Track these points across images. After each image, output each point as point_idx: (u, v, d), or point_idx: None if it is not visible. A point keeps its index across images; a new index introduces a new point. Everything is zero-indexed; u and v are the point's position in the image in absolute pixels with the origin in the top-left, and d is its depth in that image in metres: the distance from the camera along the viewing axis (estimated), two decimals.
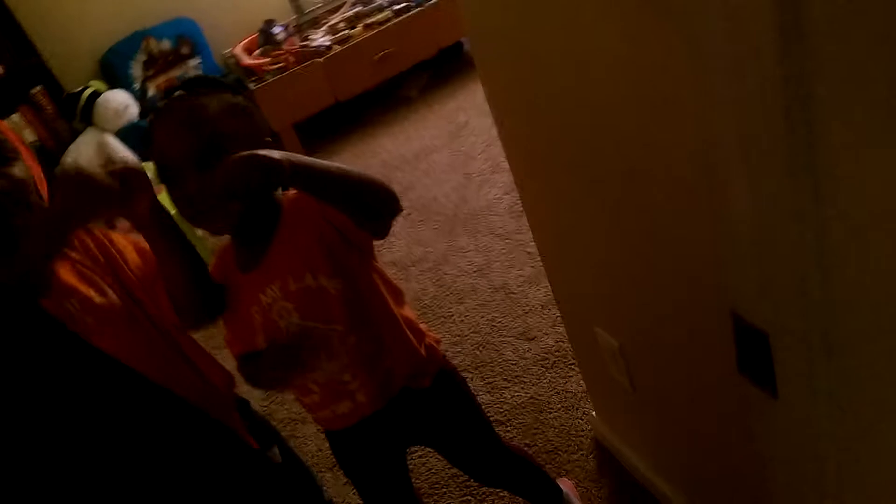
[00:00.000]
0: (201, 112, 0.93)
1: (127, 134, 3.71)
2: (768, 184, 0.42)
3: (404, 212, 2.88)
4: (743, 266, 0.43)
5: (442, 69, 4.22)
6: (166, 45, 3.93)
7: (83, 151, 3.61)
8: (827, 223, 0.39)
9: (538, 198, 1.28)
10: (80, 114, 3.65)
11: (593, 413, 1.67)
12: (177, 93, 0.97)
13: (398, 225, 2.80)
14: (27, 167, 0.99)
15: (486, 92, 1.20)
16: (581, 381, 1.80)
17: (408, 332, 1.08)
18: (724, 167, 0.46)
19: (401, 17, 3.74)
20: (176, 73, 3.98)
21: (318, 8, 4.10)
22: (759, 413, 0.53)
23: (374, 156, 3.54)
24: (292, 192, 1.02)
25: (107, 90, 3.70)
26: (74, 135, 3.66)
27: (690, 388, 1.09)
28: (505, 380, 1.92)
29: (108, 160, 0.88)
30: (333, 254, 0.98)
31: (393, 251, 2.67)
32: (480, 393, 1.90)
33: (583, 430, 1.71)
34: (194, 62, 3.99)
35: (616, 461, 1.60)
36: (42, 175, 1.03)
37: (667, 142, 0.73)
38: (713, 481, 1.24)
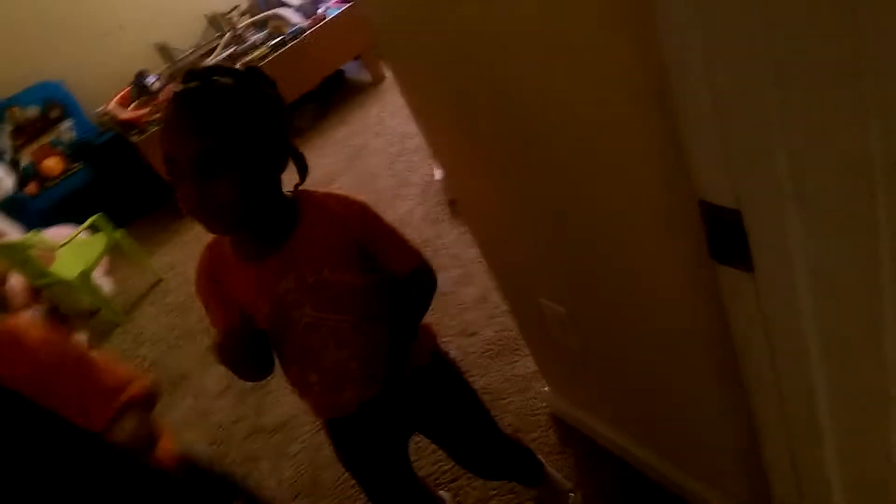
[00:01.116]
0: (208, 117, 0.87)
1: (6, 207, 3.49)
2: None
3: None
4: (709, 150, 0.48)
5: (328, 98, 4.24)
6: (34, 111, 3.73)
7: None
8: (788, 95, 0.43)
9: (468, 188, 1.31)
10: None
11: (546, 389, 1.71)
12: (192, 83, 0.89)
13: None
14: None
15: (403, 90, 1.22)
16: (528, 364, 1.84)
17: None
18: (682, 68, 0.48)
19: (278, 52, 3.73)
20: (48, 138, 3.78)
21: (189, 54, 4.02)
22: (735, 293, 0.57)
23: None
24: (319, 192, 1.01)
25: None
26: None
27: (637, 335, 1.15)
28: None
29: None
30: (351, 253, 0.99)
31: None
32: None
33: (538, 409, 1.74)
34: (66, 124, 3.81)
35: (575, 430, 1.65)
36: None
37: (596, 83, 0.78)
38: (667, 423, 1.30)
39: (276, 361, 1.07)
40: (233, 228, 0.94)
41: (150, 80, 3.70)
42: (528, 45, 0.81)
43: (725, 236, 0.52)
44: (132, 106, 3.71)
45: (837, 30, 0.39)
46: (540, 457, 1.47)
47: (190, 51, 4.00)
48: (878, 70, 0.39)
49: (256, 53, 3.72)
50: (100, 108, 3.82)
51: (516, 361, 1.89)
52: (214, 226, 0.92)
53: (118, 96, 3.80)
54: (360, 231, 0.99)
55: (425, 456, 1.72)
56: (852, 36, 0.38)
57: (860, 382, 0.55)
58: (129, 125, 3.54)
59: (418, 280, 1.07)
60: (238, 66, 3.58)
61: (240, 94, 0.90)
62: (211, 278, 1.00)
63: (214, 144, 0.86)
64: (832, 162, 0.43)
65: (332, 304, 0.99)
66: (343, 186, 3.15)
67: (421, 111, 1.25)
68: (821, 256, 0.47)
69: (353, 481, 1.29)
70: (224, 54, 3.86)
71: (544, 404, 1.74)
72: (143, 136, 3.45)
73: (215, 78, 0.90)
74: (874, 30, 0.38)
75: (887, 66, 0.39)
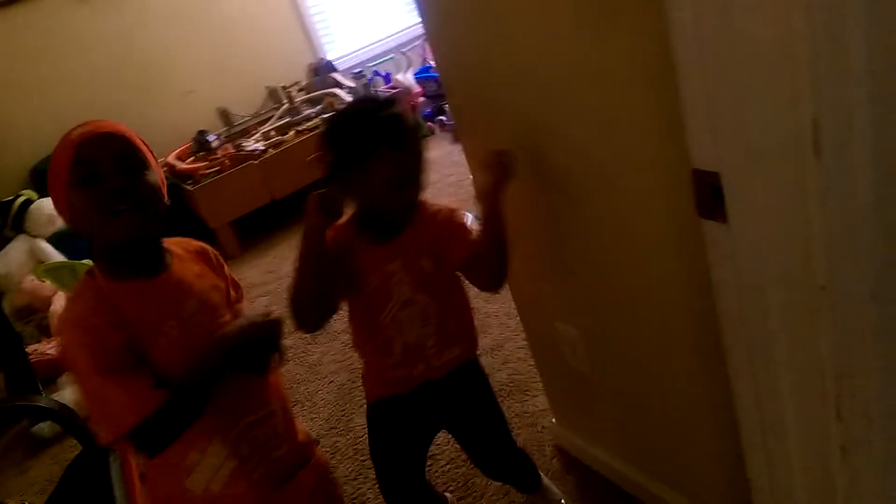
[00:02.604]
0: (408, 136, 1.18)
1: (58, 240, 3.74)
2: None
3: None
4: (698, 128, 0.70)
5: None
6: None
7: (13, 257, 3.62)
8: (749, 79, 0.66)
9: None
10: (12, 221, 3.68)
11: (553, 421, 1.88)
12: (388, 111, 1.16)
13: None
14: (156, 173, 1.09)
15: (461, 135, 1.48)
16: (538, 402, 2.01)
17: (474, 329, 1.41)
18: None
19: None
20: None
21: (247, 120, 4.40)
22: (714, 243, 0.78)
23: None
24: (434, 204, 1.30)
25: (38, 199, 3.77)
26: (4, 242, 3.66)
27: (647, 365, 1.34)
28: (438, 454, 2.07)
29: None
30: (441, 255, 1.26)
31: (345, 321, 2.83)
32: None
33: (544, 441, 1.90)
34: None
35: (577, 460, 1.80)
36: (164, 179, 1.13)
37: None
38: (669, 453, 1.46)
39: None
40: (405, 221, 1.25)
41: (211, 138, 4.06)
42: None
43: (708, 195, 0.74)
44: (190, 160, 4.06)
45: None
46: (539, 470, 1.63)
47: (248, 117, 4.39)
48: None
49: (309, 124, 4.09)
50: (160, 160, 4.17)
51: (526, 400, 2.06)
52: (393, 215, 1.24)
53: (177, 150, 4.16)
54: (447, 245, 1.26)
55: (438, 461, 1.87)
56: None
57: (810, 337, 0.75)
58: (186, 175, 3.87)
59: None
60: (288, 133, 3.91)
61: (409, 118, 1.20)
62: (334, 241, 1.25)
63: (412, 158, 1.18)
64: (782, 135, 0.65)
65: (426, 289, 1.26)
66: None
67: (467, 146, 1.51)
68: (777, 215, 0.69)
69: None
70: (278, 124, 4.23)
71: (550, 437, 1.90)
72: (197, 186, 3.76)
73: (393, 102, 1.19)
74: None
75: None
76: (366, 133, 1.15)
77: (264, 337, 1.12)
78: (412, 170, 1.19)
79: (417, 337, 1.29)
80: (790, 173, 0.66)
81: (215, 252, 1.27)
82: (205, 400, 1.04)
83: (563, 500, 1.66)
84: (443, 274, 1.28)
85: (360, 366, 2.63)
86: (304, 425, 1.38)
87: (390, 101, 1.20)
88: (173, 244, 1.18)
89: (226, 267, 1.28)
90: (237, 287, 1.29)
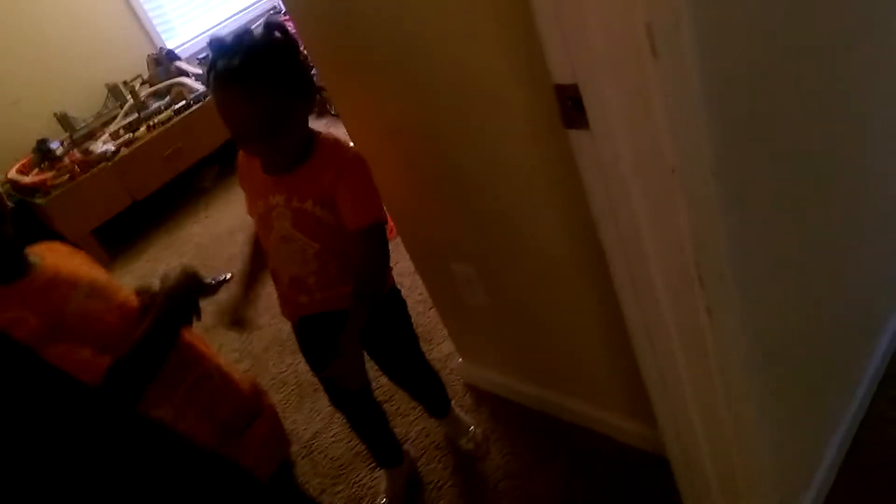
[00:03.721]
0: (259, 88, 1.12)
1: None
2: None
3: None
4: (553, 43, 0.80)
5: (230, 159, 4.44)
6: None
7: None
8: None
9: (381, 166, 1.58)
10: None
11: (460, 360, 1.98)
12: (234, 60, 1.11)
13: None
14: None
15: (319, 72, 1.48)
16: (444, 348, 2.11)
17: None
18: None
19: (181, 116, 3.93)
20: None
21: (90, 122, 4.13)
22: (580, 149, 0.88)
23: (185, 243, 3.63)
24: (331, 137, 1.27)
25: None
26: None
27: (540, 288, 1.46)
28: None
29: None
30: (333, 199, 1.24)
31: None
32: None
33: (454, 381, 2.01)
34: None
35: (488, 393, 1.92)
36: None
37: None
38: (570, 367, 1.60)
39: None
40: (286, 159, 1.24)
41: (54, 145, 3.78)
42: None
43: (570, 107, 0.84)
44: (34, 172, 3.76)
45: None
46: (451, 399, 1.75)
47: (91, 118, 4.11)
48: None
49: (160, 118, 3.91)
50: None
51: (432, 349, 2.16)
52: (268, 156, 1.24)
53: (18, 164, 3.84)
54: (334, 180, 1.23)
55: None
56: None
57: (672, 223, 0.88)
58: (34, 189, 3.58)
59: (363, 241, 1.26)
60: (139, 129, 3.70)
61: (273, 55, 1.15)
62: (244, 172, 1.32)
63: (268, 109, 1.13)
64: (624, 41, 0.75)
65: (306, 229, 1.26)
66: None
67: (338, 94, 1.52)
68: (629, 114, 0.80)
69: None
70: (125, 122, 4.01)
71: (459, 376, 2.01)
72: (47, 199, 3.51)
73: (249, 48, 1.13)
74: None
75: None
76: (217, 69, 1.12)
77: (189, 290, 1.16)
78: (255, 121, 1.13)
79: (299, 272, 1.31)
80: (635, 76, 0.76)
81: (75, 249, 1.27)
82: (169, 345, 1.10)
83: (472, 427, 1.78)
84: (328, 220, 1.25)
85: (262, 350, 2.64)
86: (250, 375, 1.43)
87: (262, 48, 1.15)
88: (43, 248, 1.17)
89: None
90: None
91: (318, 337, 1.43)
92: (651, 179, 0.83)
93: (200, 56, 4.62)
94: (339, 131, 1.45)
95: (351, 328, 1.24)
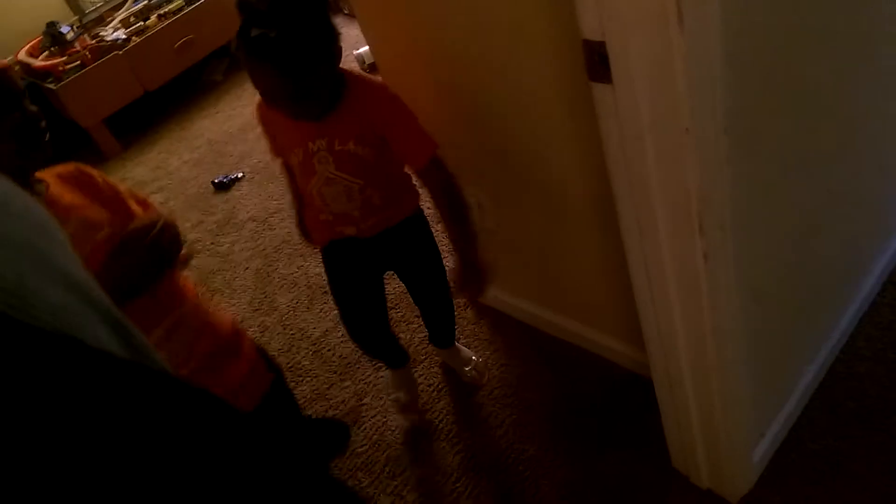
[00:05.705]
0: (295, 59, 1.12)
1: None
2: None
3: (250, 175, 3.08)
4: (587, 2, 0.84)
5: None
6: None
7: None
8: None
9: (409, 89, 1.62)
10: None
11: None
12: (271, 32, 1.09)
13: (249, 186, 3.00)
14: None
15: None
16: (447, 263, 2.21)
17: (407, 195, 1.48)
18: None
19: (193, 5, 3.85)
20: None
21: (100, 6, 4.05)
22: (601, 101, 0.94)
23: (197, 138, 3.65)
24: (360, 76, 1.30)
25: None
26: None
27: (549, 216, 1.53)
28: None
29: None
30: (375, 135, 1.29)
31: (248, 209, 2.87)
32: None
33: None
34: None
35: (489, 307, 2.03)
36: None
37: None
38: (572, 291, 1.70)
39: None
40: (322, 108, 1.26)
41: (64, 29, 3.73)
42: None
43: (596, 62, 0.88)
44: (44, 55, 3.74)
45: None
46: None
47: (101, 2, 4.03)
48: None
49: (173, 5, 3.83)
50: (8, 59, 3.80)
51: None
52: (302, 112, 1.25)
53: (27, 46, 3.81)
54: (381, 119, 1.28)
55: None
56: None
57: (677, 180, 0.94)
58: (46, 73, 3.57)
59: (433, 172, 1.35)
60: (150, 18, 3.64)
61: (307, 22, 1.13)
62: (267, 118, 1.35)
63: (305, 80, 1.15)
64: (652, 6, 0.79)
65: (349, 169, 1.31)
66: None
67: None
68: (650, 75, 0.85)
69: None
70: (138, 6, 3.93)
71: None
72: (60, 85, 3.51)
73: (284, 18, 1.10)
74: None
75: None
76: (251, 38, 1.10)
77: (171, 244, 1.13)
78: (289, 90, 1.16)
79: (343, 209, 1.38)
80: (659, 40, 0.81)
81: (88, 171, 1.22)
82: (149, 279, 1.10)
83: (474, 357, 1.89)
84: (368, 156, 1.30)
85: (273, 250, 2.72)
86: (229, 315, 1.40)
87: (297, 18, 1.12)
88: (45, 174, 1.14)
89: (105, 178, 1.23)
90: (130, 196, 1.26)
91: (350, 258, 1.51)
92: (665, 137, 0.89)
93: None
94: (351, 31, 1.44)
95: (471, 248, 1.44)
